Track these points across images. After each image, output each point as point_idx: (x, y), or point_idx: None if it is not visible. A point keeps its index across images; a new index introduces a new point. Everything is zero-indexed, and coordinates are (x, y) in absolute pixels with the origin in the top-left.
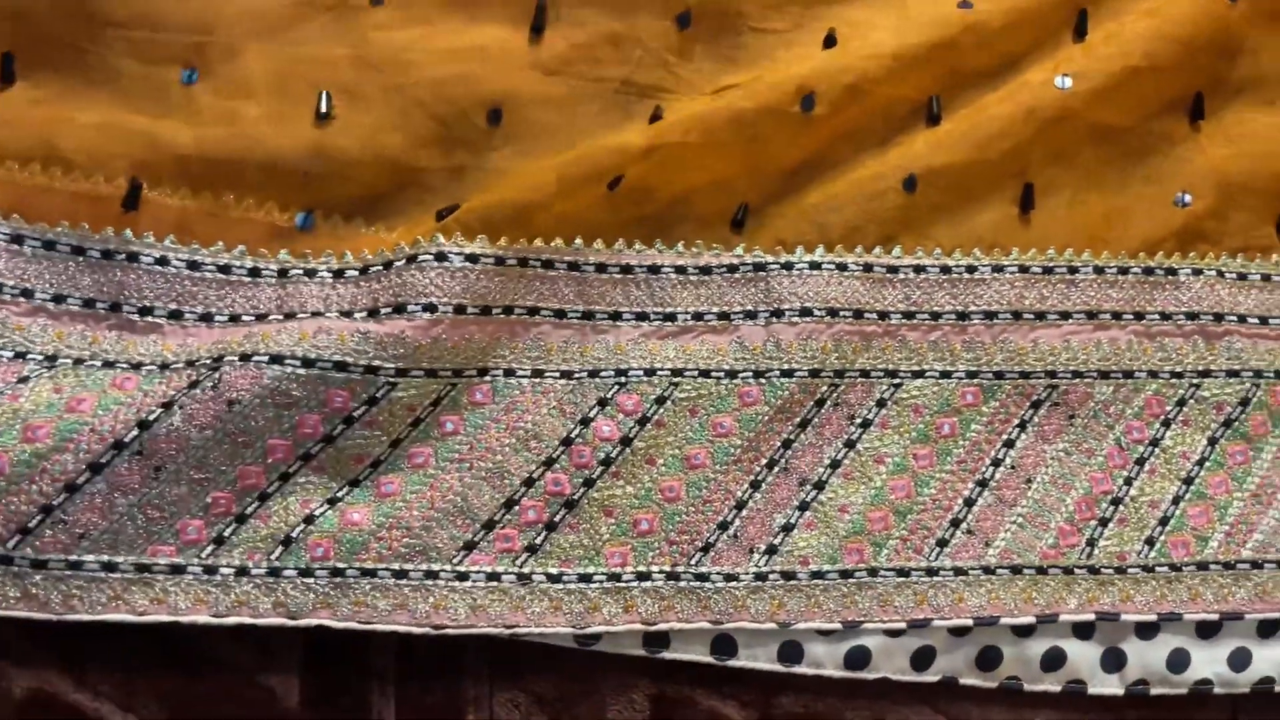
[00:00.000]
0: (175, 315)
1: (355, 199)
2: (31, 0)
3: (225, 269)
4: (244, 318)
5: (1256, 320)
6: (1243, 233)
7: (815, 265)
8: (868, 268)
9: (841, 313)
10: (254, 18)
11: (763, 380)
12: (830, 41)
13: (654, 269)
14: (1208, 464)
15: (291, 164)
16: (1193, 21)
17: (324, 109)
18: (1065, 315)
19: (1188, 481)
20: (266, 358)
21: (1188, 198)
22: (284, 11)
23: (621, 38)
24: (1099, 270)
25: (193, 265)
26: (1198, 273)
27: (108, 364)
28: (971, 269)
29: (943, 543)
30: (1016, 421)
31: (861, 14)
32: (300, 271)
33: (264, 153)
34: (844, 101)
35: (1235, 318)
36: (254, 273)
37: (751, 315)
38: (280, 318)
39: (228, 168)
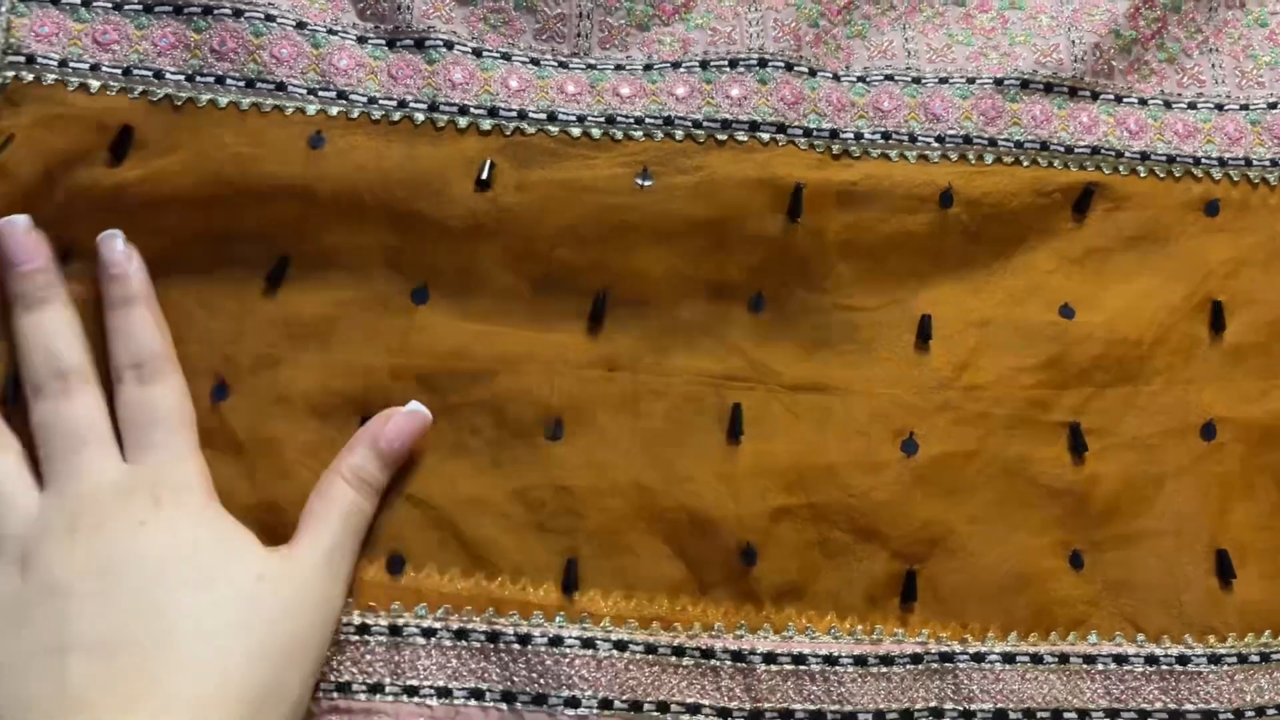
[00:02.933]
0: None
1: (434, 540)
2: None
3: None
4: (354, 687)
5: None
6: None
7: (1009, 658)
8: (1063, 659)
9: (1040, 715)
10: (283, 325)
11: None
12: (924, 335)
13: (830, 659)
14: None
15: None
16: None
17: None
18: None
19: None
20: None
21: None
22: (319, 312)
23: (688, 325)
24: None
25: None
26: None
27: None
28: (1184, 660)
29: None
30: None
31: (959, 295)
32: (416, 631)
33: None
34: (952, 440)
35: None
36: (362, 630)
37: (938, 714)
38: (398, 689)
39: (280, 520)
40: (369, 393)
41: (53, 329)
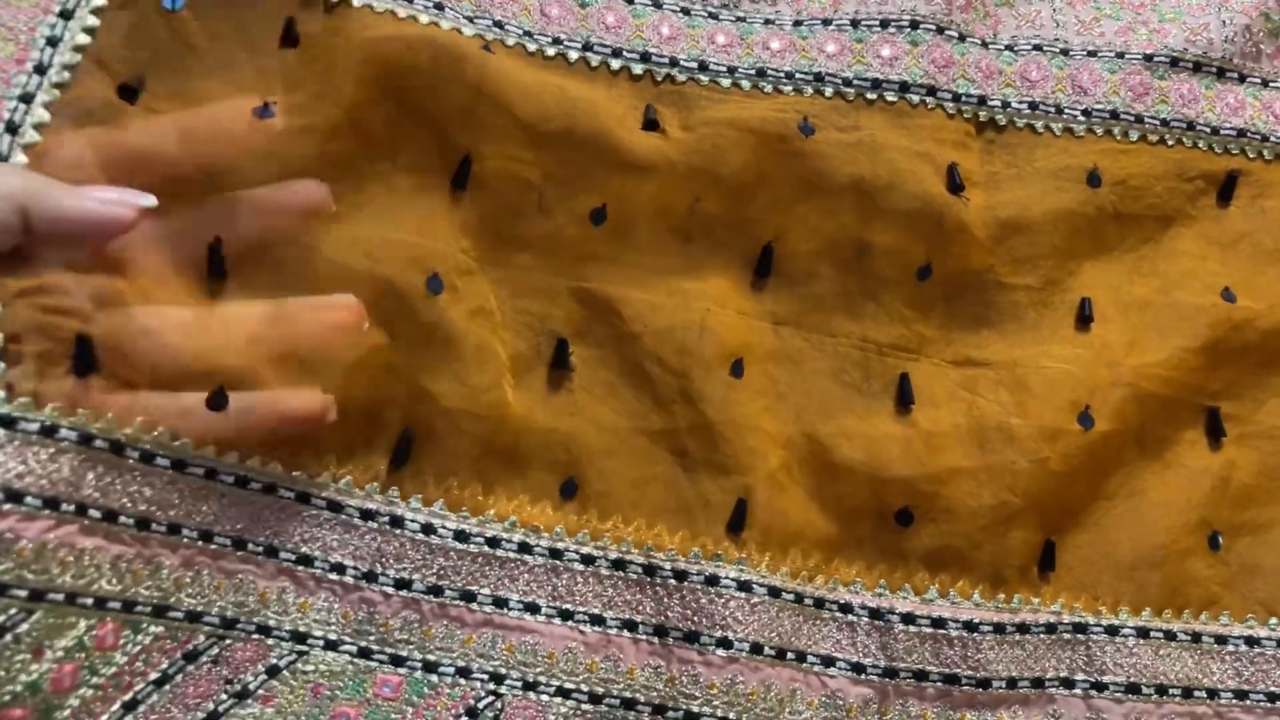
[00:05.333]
0: (435, 591)
1: (607, 470)
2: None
3: (494, 542)
4: (511, 603)
5: None
6: None
7: (1143, 632)
8: (1196, 638)
9: (1171, 690)
10: (474, 232)
11: None
12: (1084, 316)
13: (970, 625)
14: None
15: (549, 428)
16: None
17: (564, 361)
18: None
19: None
20: (553, 689)
21: None
22: (503, 224)
23: (853, 290)
24: None
25: (460, 536)
26: None
27: (363, 652)
28: None
29: None
30: None
31: (1116, 276)
32: (576, 556)
33: (527, 413)
34: (1119, 418)
35: None
36: (524, 548)
37: (1069, 684)
38: (554, 611)
39: (494, 427)
40: (555, 312)
41: None
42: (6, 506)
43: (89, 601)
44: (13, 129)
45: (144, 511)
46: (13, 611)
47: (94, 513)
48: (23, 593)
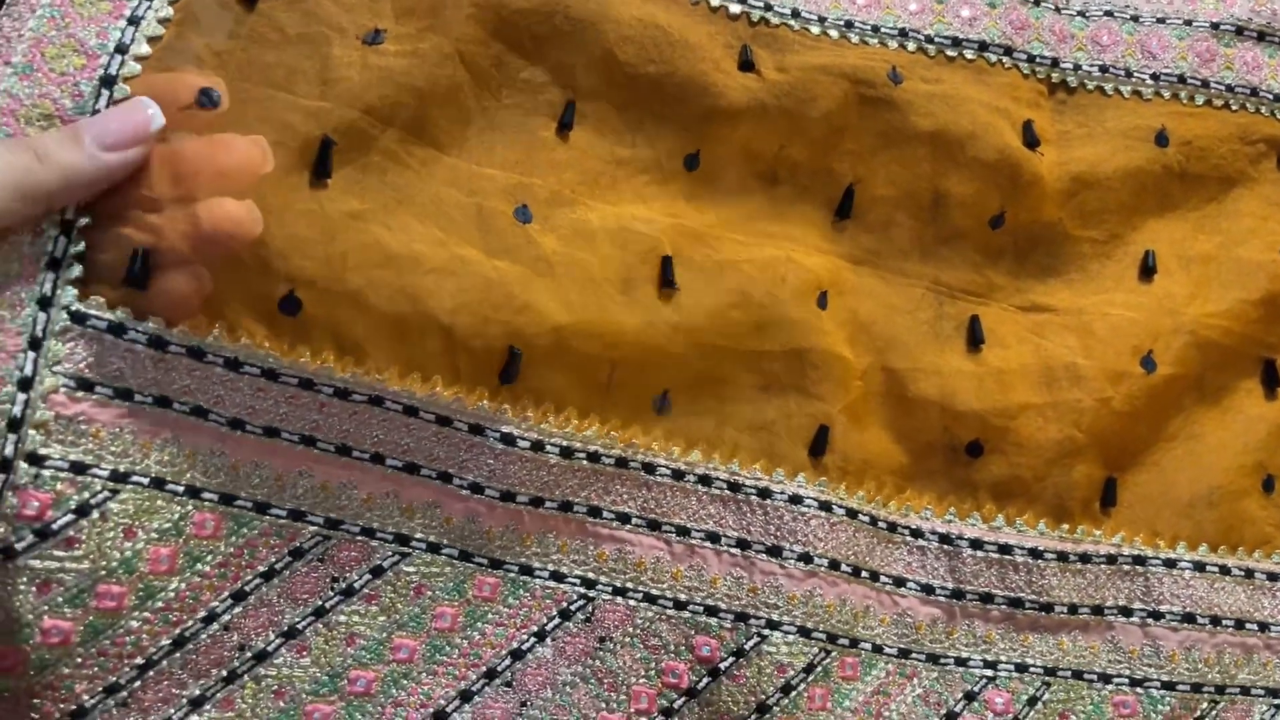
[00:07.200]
0: (536, 502)
1: (698, 382)
2: (361, 93)
3: (594, 457)
4: (604, 513)
5: None
6: None
7: (1200, 566)
8: (1249, 574)
9: (1224, 621)
10: (576, 169)
11: (1139, 690)
12: (1148, 268)
13: (1035, 553)
14: None
15: (649, 344)
16: None
17: (670, 278)
18: None
19: None
20: (640, 595)
21: None
22: (603, 167)
23: (928, 235)
24: None
25: (566, 452)
26: None
27: (464, 555)
28: None
29: None
30: None
31: (1179, 232)
32: (668, 472)
33: (629, 329)
34: (1180, 363)
35: None
36: (621, 463)
37: (1127, 613)
38: (642, 522)
39: (597, 343)
40: (661, 239)
41: None
42: (79, 394)
43: (179, 489)
44: (122, 49)
45: (235, 414)
46: (96, 488)
47: (179, 406)
48: (103, 472)
